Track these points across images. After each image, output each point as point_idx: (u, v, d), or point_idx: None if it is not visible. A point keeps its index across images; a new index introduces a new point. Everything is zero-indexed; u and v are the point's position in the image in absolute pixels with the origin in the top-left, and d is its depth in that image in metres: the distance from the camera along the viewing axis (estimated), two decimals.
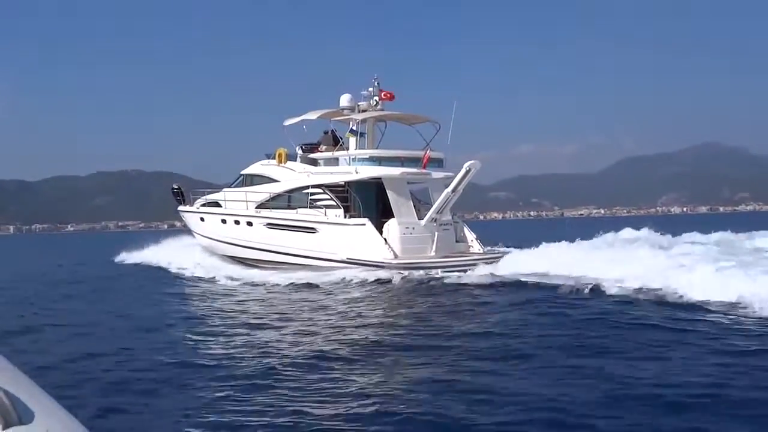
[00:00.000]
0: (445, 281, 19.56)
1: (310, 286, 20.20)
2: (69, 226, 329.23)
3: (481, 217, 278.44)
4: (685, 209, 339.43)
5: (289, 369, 9.36)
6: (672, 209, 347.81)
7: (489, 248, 25.94)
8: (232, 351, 10.86)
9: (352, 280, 20.54)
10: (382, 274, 20.67)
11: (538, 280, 17.83)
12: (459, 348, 10.48)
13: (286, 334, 12.45)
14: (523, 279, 18.34)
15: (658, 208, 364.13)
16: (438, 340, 11.24)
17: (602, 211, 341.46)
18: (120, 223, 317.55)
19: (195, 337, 12.35)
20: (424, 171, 23.92)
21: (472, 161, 22.42)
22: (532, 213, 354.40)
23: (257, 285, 21.36)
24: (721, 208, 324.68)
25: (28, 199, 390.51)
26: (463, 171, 22.49)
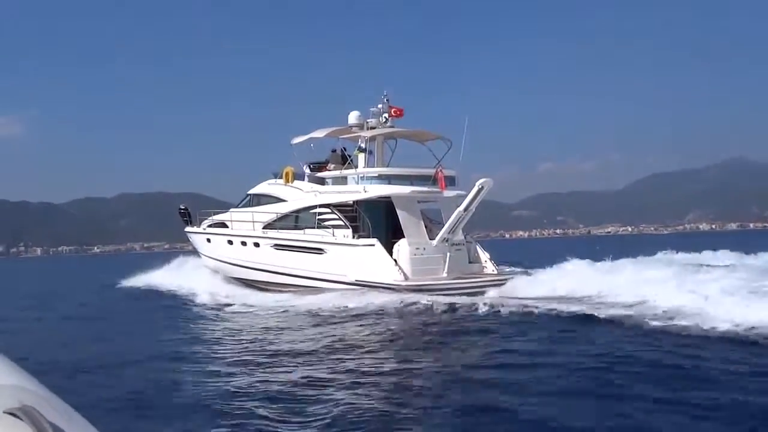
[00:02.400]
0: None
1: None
2: (95, 247, 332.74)
3: (507, 236, 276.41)
4: (713, 226, 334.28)
5: None
6: (700, 226, 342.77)
7: (504, 268, 24.99)
8: None
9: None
10: (395, 297, 19.57)
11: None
12: None
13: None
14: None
15: (686, 225, 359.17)
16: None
17: (629, 229, 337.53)
18: (146, 245, 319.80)
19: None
20: (435, 189, 23.13)
21: (484, 179, 21.51)
22: (558, 231, 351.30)
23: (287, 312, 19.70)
24: (752, 225, 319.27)
25: (54, 221, 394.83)
26: (475, 189, 21.57)
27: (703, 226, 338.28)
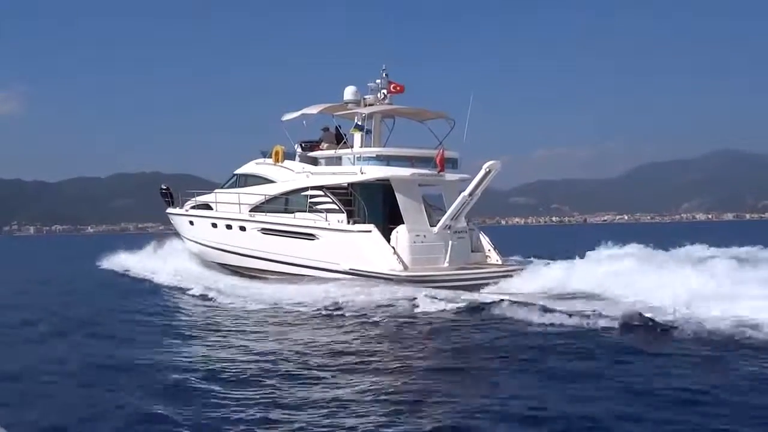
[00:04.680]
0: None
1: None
2: (89, 227, 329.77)
3: (503, 222, 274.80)
4: (710, 216, 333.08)
5: None
6: (697, 216, 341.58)
7: (508, 258, 23.34)
8: None
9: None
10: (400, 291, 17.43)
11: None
12: None
13: None
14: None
15: (682, 214, 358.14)
16: None
17: (625, 217, 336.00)
18: (140, 225, 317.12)
19: None
20: (437, 173, 21.29)
21: (491, 161, 19.63)
22: (554, 219, 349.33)
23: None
24: (748, 216, 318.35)
25: (48, 200, 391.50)
26: (482, 172, 19.71)
27: (700, 216, 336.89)
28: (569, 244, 37.52)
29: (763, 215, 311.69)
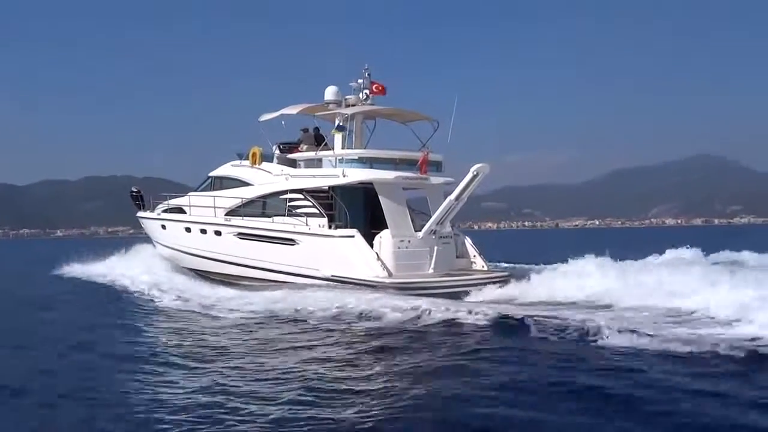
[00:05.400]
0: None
1: None
2: (58, 231, 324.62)
3: (476, 228, 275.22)
4: (679, 221, 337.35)
5: None
6: (666, 221, 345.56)
7: (494, 264, 22.75)
8: None
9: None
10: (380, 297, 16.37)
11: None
12: None
13: None
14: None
15: (652, 219, 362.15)
16: None
17: (596, 222, 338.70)
18: (110, 229, 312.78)
19: None
20: (421, 176, 20.56)
21: (479, 164, 18.89)
22: (526, 223, 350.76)
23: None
24: (716, 221, 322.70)
25: (16, 203, 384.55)
26: (469, 175, 18.97)
27: (669, 221, 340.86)
28: (547, 249, 37.02)
29: (731, 220, 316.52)
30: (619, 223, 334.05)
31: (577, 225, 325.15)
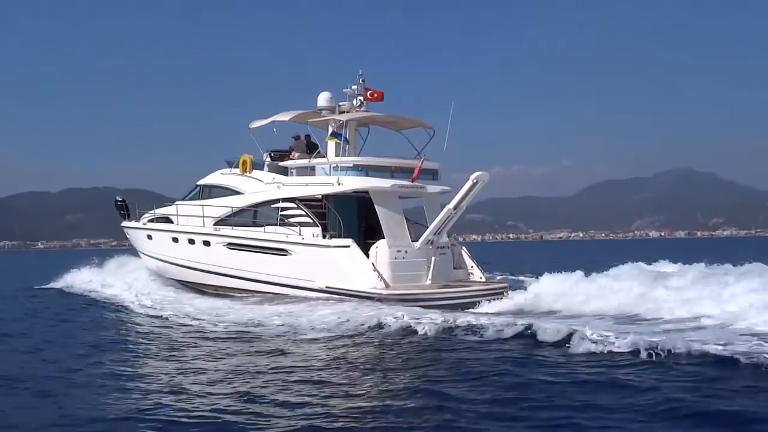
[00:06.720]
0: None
1: None
2: (39, 243, 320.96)
3: (461, 239, 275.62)
4: (662, 234, 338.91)
5: None
6: (650, 233, 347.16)
7: (490, 275, 22.19)
8: None
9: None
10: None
11: None
12: None
13: None
14: None
15: (635, 231, 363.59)
16: None
17: (580, 235, 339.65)
18: (92, 241, 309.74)
19: None
20: (418, 185, 19.97)
21: (479, 172, 18.33)
22: (511, 235, 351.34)
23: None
24: (699, 233, 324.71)
25: None
26: (469, 184, 18.40)
27: (653, 234, 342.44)
28: (539, 260, 36.55)
29: (713, 233, 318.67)
30: (603, 235, 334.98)
31: (561, 237, 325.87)
